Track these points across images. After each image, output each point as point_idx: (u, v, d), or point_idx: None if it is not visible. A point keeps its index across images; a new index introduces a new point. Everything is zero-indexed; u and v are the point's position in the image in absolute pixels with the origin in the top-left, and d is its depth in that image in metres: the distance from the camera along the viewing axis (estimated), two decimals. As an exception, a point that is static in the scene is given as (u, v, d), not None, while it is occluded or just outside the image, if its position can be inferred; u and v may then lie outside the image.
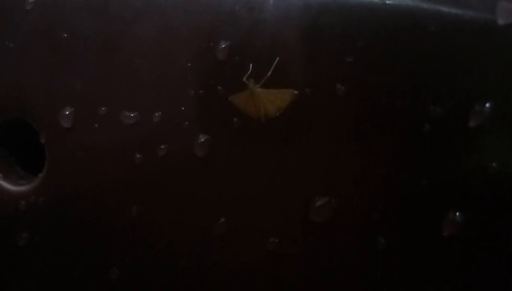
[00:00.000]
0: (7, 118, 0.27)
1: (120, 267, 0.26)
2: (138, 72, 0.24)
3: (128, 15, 0.24)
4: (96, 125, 0.25)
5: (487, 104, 0.19)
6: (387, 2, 0.21)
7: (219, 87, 0.23)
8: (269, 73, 0.21)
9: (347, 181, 0.22)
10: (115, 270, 0.26)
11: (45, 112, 0.26)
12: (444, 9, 0.20)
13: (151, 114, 0.24)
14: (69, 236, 0.26)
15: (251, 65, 0.22)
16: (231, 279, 0.24)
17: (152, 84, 0.24)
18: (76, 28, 0.25)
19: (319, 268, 0.22)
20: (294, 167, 0.22)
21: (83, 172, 0.26)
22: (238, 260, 0.24)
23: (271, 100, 0.22)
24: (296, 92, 0.21)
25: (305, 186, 0.22)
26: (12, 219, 0.27)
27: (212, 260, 0.24)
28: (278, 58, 0.21)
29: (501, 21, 0.19)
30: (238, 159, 0.23)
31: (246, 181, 0.23)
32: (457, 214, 0.20)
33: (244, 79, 0.22)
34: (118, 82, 0.25)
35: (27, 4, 0.26)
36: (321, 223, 0.22)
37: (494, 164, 0.20)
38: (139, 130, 0.24)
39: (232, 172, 0.23)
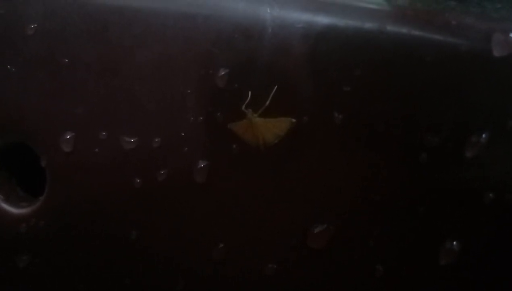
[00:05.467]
0: (8, 142, 0.27)
1: (120, 290, 0.26)
2: (137, 98, 0.24)
3: (127, 41, 0.24)
4: (96, 149, 0.25)
5: (484, 135, 0.20)
6: (384, 31, 0.21)
7: (218, 114, 0.23)
8: (267, 102, 0.22)
9: (344, 208, 0.22)
10: (115, 294, 0.26)
11: (46, 136, 0.26)
12: (440, 39, 0.20)
13: (150, 140, 0.24)
14: (69, 258, 0.26)
15: (250, 93, 0.22)
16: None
17: (151, 110, 0.24)
18: (77, 53, 0.25)
19: (318, 294, 0.23)
20: (293, 193, 0.23)
21: (83, 195, 0.26)
22: (237, 285, 0.24)
23: (270, 129, 0.22)
24: (294, 120, 0.22)
25: (303, 213, 0.22)
26: (13, 241, 0.28)
27: (211, 284, 0.24)
28: (276, 86, 0.22)
29: (496, 53, 0.19)
30: (237, 185, 0.23)
31: (245, 207, 0.23)
32: (454, 243, 0.20)
33: (243, 107, 0.22)
34: (118, 108, 0.25)
35: (29, 30, 0.26)
36: (319, 249, 0.22)
37: (490, 194, 0.20)
38: (139, 155, 0.25)
39: (231, 198, 0.24)
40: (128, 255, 0.25)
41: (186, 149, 0.24)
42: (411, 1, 0.23)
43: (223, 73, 0.23)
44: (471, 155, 0.20)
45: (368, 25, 0.21)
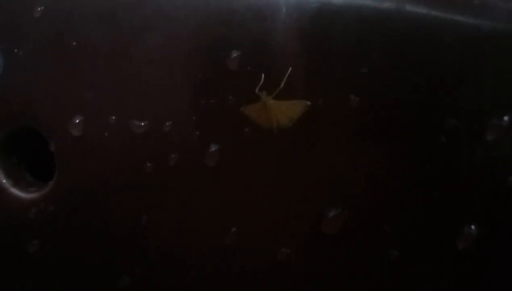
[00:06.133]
0: (17, 127, 0.27)
1: (131, 276, 0.26)
2: (148, 81, 0.24)
3: (137, 23, 0.24)
4: (106, 134, 0.25)
5: (505, 117, 0.19)
6: (402, 11, 0.20)
7: (230, 97, 0.23)
8: (282, 84, 0.21)
9: (359, 192, 0.22)
10: (126, 278, 0.26)
11: (55, 121, 0.26)
12: (461, 18, 0.20)
13: (161, 124, 0.24)
14: (79, 244, 0.26)
15: (263, 75, 0.21)
16: (242, 290, 0.24)
17: (162, 93, 0.24)
18: (85, 36, 0.25)
19: (331, 279, 0.22)
20: (306, 177, 0.22)
21: (92, 180, 0.26)
22: (249, 270, 0.23)
23: (284, 111, 0.21)
24: (309, 103, 0.21)
25: (317, 197, 0.22)
26: (22, 226, 0.27)
27: (223, 269, 0.24)
28: (290, 68, 0.21)
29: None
30: (249, 169, 0.23)
31: (257, 191, 0.23)
32: (472, 227, 0.20)
33: (257, 90, 0.21)
34: (128, 91, 0.24)
35: (36, 12, 0.25)
36: (333, 234, 0.22)
37: (511, 178, 0.19)
38: (150, 139, 0.24)
39: (243, 181, 0.23)
40: (139, 240, 0.25)
41: (197, 132, 0.23)
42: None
43: (235, 55, 0.22)
44: (491, 138, 0.19)
45: (386, 4, 0.20)
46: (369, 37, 0.20)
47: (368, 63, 0.20)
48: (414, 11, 0.20)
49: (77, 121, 0.25)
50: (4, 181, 0.28)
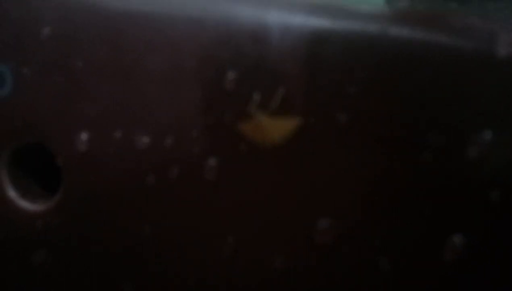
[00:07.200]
0: (24, 143, 0.28)
1: (133, 288, 0.26)
2: (150, 100, 0.25)
3: (140, 46, 0.25)
4: (110, 149, 0.26)
5: (489, 135, 0.20)
6: (386, 35, 0.21)
7: (227, 115, 0.24)
8: (275, 104, 0.22)
9: (350, 205, 0.23)
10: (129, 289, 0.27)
11: (62, 137, 0.27)
12: (445, 39, 0.21)
13: (162, 140, 0.25)
14: (84, 256, 0.27)
15: (257, 95, 0.23)
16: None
17: (163, 111, 0.25)
18: (91, 58, 0.26)
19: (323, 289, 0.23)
20: (300, 192, 0.23)
21: (98, 193, 0.27)
22: (246, 279, 0.25)
23: (277, 129, 0.23)
24: (300, 121, 0.22)
25: (309, 210, 0.23)
26: (29, 238, 0.28)
27: (221, 277, 0.25)
28: (283, 88, 0.22)
29: (500, 54, 0.20)
30: (245, 183, 0.24)
31: (253, 204, 0.24)
32: (459, 238, 0.21)
33: (251, 109, 0.23)
34: (131, 110, 0.26)
35: (42, 34, 0.27)
36: (324, 245, 0.23)
37: (495, 192, 0.20)
38: (152, 154, 0.25)
39: (239, 195, 0.24)
40: (141, 252, 0.26)
41: (197, 148, 0.24)
42: (411, 4, 0.23)
43: (231, 76, 0.23)
44: (475, 154, 0.20)
45: (370, 29, 0.21)
46: (356, 60, 0.22)
47: (355, 84, 0.21)
48: (397, 35, 0.21)
49: (83, 138, 0.26)
50: (12, 193, 0.29)
